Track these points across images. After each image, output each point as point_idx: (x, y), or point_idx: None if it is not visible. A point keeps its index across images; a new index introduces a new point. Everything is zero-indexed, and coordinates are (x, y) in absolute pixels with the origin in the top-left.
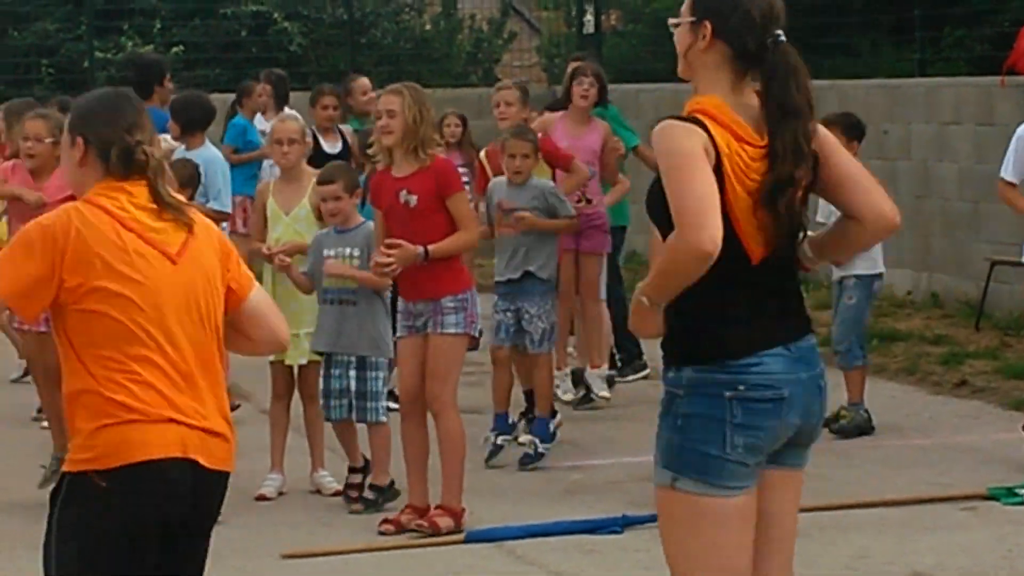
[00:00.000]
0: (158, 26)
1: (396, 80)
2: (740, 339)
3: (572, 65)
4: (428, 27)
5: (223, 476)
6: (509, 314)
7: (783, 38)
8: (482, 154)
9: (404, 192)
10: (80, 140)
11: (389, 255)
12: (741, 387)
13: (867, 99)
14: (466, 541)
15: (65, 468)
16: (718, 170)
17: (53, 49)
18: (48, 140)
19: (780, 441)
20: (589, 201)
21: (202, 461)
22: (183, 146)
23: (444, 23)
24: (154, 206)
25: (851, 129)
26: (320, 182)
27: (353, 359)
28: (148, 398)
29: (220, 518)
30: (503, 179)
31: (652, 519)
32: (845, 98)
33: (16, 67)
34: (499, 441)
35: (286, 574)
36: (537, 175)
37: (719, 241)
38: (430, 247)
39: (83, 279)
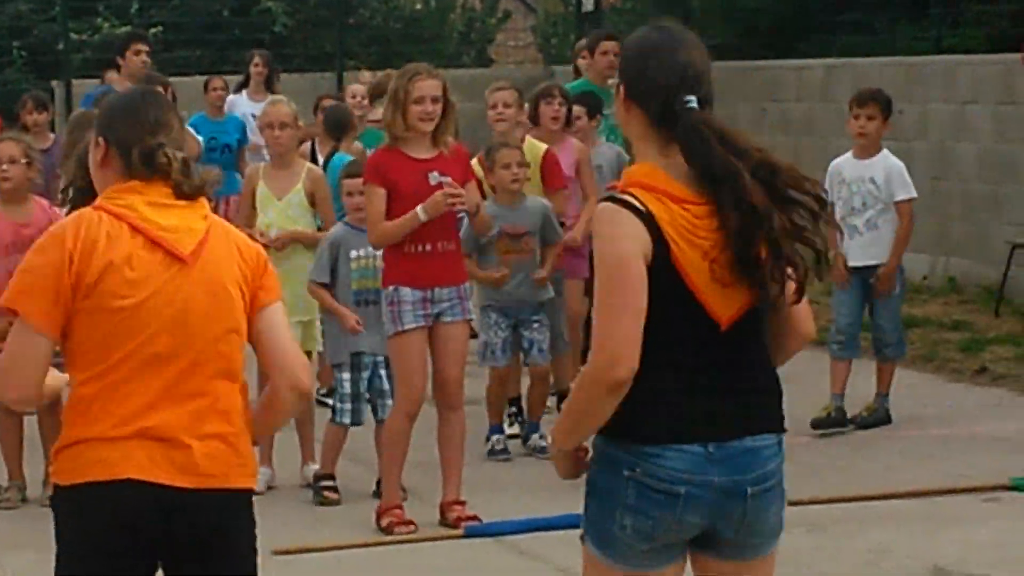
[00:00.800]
0: (135, 6)
1: (386, 62)
2: (652, 427)
3: (539, 86)
4: (419, 6)
5: (212, 495)
6: (508, 329)
7: (693, 104)
8: (473, 162)
9: (436, 173)
10: (102, 140)
11: (459, 192)
12: (638, 470)
13: (883, 77)
14: (466, 535)
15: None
16: (660, 241)
17: (26, 30)
18: (23, 161)
19: (680, 536)
20: (563, 224)
21: (169, 481)
22: None
23: (435, 2)
24: (170, 202)
25: (887, 107)
26: (348, 175)
27: (381, 358)
28: (119, 411)
29: None
30: (488, 203)
31: None
32: (860, 76)
33: None
34: (504, 445)
35: (278, 571)
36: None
37: (633, 371)
38: (480, 204)
39: (82, 282)
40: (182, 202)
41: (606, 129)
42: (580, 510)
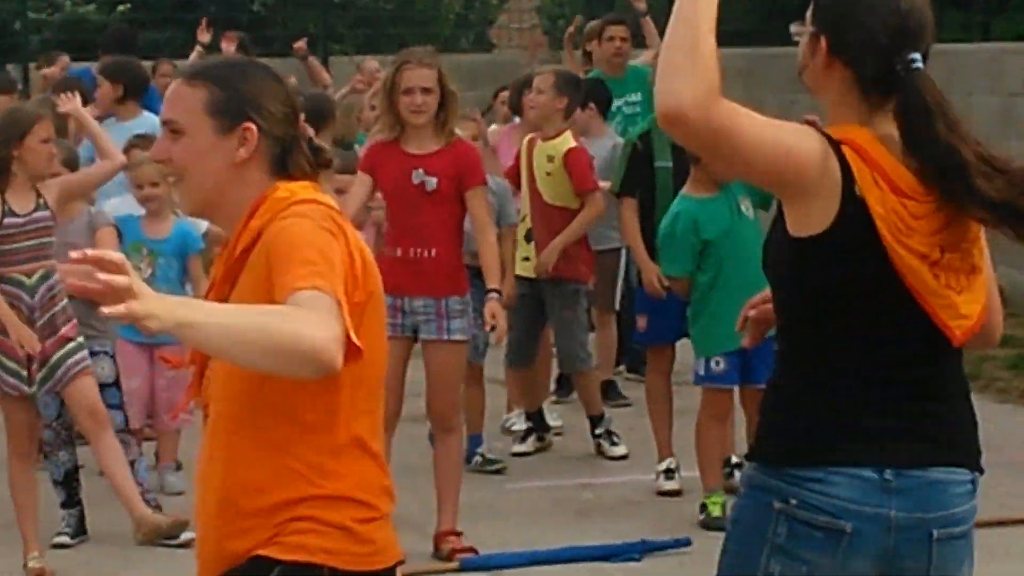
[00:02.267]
0: None
1: (375, 46)
2: (816, 444)
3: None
4: None
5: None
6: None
7: (919, 64)
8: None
9: (420, 172)
10: None
11: None
12: (793, 500)
13: None
14: (462, 570)
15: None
16: (864, 229)
17: None
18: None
19: None
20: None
21: None
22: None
23: None
24: None
25: None
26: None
27: None
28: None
29: None
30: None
31: (674, 545)
32: None
33: None
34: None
35: None
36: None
37: None
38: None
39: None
40: None
41: (623, 121)
42: (586, 541)
